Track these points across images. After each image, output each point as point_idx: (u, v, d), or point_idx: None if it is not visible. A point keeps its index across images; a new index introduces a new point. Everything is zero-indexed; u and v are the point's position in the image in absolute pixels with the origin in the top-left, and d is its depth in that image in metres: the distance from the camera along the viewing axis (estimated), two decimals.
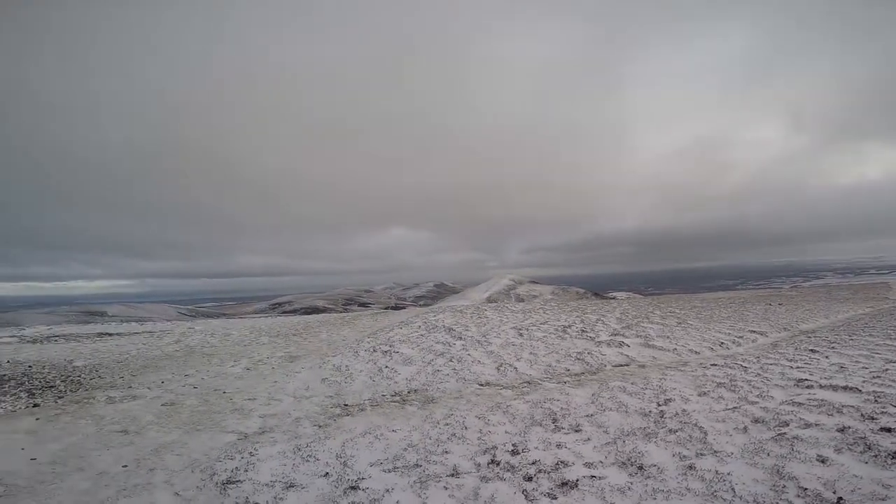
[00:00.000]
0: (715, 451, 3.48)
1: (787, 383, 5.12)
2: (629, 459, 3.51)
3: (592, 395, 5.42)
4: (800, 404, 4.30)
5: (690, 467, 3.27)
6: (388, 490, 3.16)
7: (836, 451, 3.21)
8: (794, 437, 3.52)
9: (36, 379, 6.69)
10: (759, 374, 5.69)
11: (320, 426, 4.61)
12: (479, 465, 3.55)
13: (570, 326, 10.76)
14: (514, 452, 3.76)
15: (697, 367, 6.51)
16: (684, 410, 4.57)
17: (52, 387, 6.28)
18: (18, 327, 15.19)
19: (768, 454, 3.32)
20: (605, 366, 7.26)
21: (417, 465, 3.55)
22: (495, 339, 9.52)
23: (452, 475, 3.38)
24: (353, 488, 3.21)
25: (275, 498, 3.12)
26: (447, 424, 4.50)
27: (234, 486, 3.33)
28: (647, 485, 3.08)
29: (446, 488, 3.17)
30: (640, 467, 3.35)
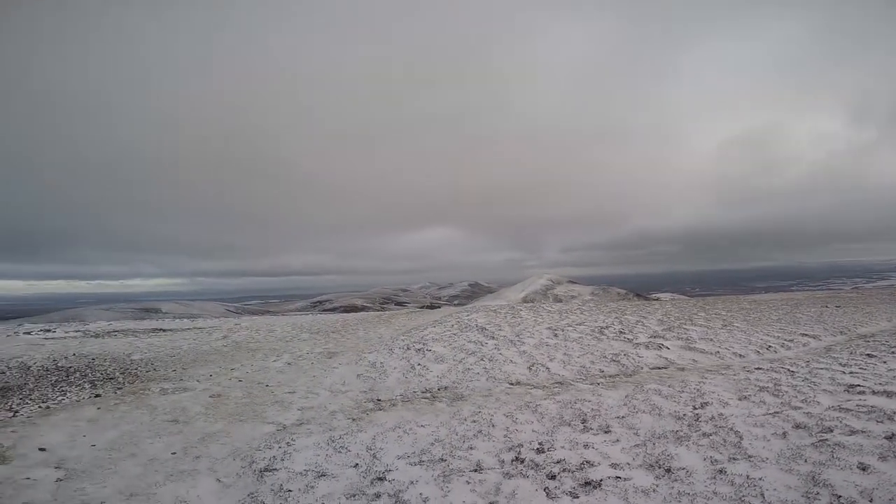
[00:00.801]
0: (749, 456, 3.37)
1: (836, 389, 4.83)
2: (657, 462, 3.45)
3: (625, 396, 5.33)
4: (847, 410, 4.06)
5: (721, 471, 3.18)
6: (412, 482, 3.28)
7: (880, 459, 3.03)
8: (836, 444, 3.35)
9: (98, 371, 7.29)
10: (807, 379, 5.39)
11: (353, 419, 4.79)
12: (503, 461, 3.60)
13: (607, 328, 10.54)
14: (540, 451, 3.78)
15: (740, 371, 6.25)
16: (721, 414, 4.41)
17: (112, 378, 6.82)
18: (83, 323, 16.52)
19: (806, 460, 3.18)
20: (642, 368, 7.09)
21: (442, 460, 3.64)
22: (529, 339, 9.48)
23: (476, 470, 3.44)
24: (379, 479, 3.35)
25: (307, 486, 3.30)
26: (474, 421, 4.56)
27: (271, 473, 3.54)
28: (672, 487, 3.02)
29: (468, 483, 3.24)
30: (668, 470, 3.29)
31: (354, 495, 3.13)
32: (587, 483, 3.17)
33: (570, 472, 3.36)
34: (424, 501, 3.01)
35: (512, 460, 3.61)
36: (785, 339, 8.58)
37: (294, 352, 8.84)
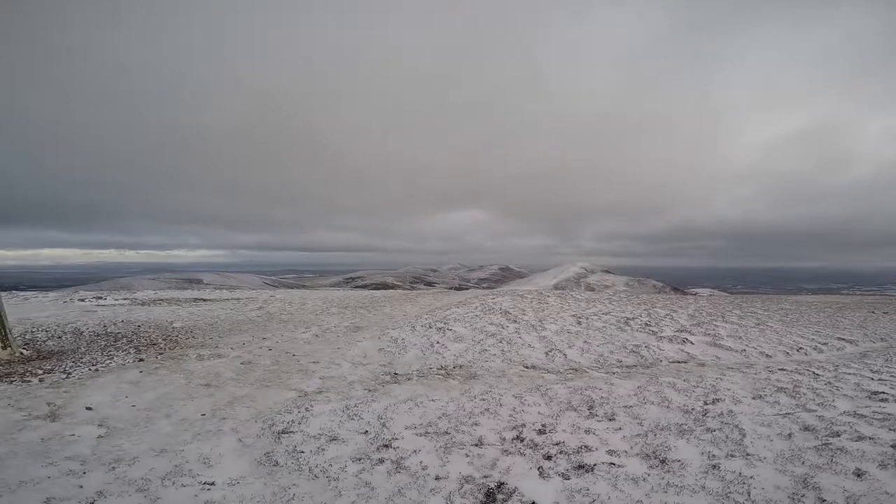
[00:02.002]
0: (747, 454, 3.38)
1: (858, 394, 4.69)
2: (654, 452, 3.52)
3: (638, 387, 5.36)
4: (862, 416, 3.96)
5: (714, 466, 3.22)
6: (415, 451, 3.50)
7: (879, 467, 2.98)
8: (838, 449, 3.30)
9: (143, 337, 7.92)
10: (830, 383, 5.24)
11: (370, 390, 5.08)
12: (504, 439, 3.76)
13: (633, 319, 10.44)
14: (541, 432, 3.91)
15: (762, 371, 6.11)
16: (730, 411, 4.40)
17: (154, 344, 7.41)
18: (131, 291, 17.73)
19: (803, 462, 3.16)
20: (661, 361, 7.04)
21: (447, 433, 3.85)
22: (551, 325, 9.54)
23: (476, 445, 3.63)
24: (385, 446, 3.59)
25: (318, 448, 3.58)
26: (483, 399, 4.74)
27: (287, 435, 3.85)
28: (663, 478, 3.10)
29: (467, 455, 3.43)
30: (663, 461, 3.36)
31: (360, 459, 3.38)
32: (580, 466, 3.28)
33: (567, 454, 3.49)
34: (423, 468, 3.22)
35: (513, 439, 3.77)
36: (819, 342, 8.25)
37: (322, 324, 9.28)
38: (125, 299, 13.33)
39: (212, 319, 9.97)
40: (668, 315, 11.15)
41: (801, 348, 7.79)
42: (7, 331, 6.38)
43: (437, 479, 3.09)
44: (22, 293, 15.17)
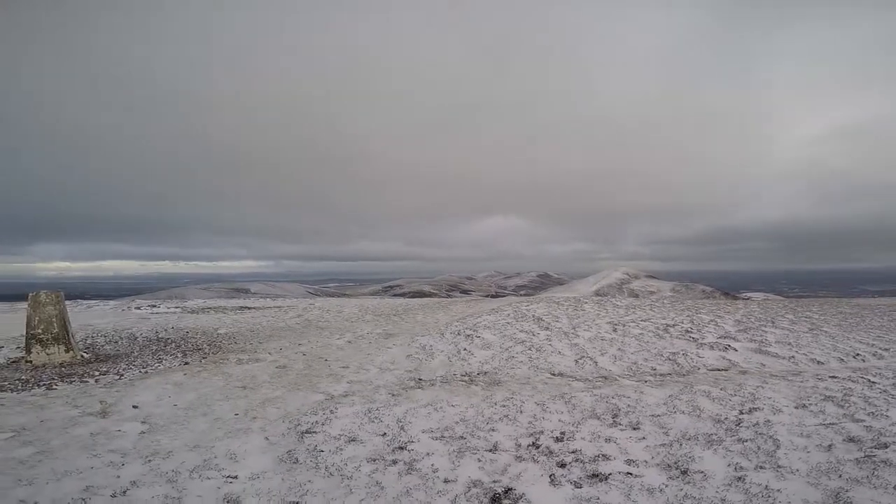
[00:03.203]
0: (778, 466, 3.18)
1: None
2: (676, 463, 3.38)
3: (669, 396, 5.15)
4: None
5: (740, 479, 3.05)
6: (428, 454, 3.53)
7: None
8: (883, 461, 3.04)
9: (190, 342, 8.42)
10: (886, 391, 4.82)
11: (393, 395, 5.17)
12: (520, 445, 3.72)
13: (674, 325, 10.03)
14: (559, 440, 3.85)
15: (811, 378, 5.71)
16: (767, 421, 4.14)
17: (199, 349, 7.86)
18: (183, 300, 18.87)
19: (840, 476, 2.93)
20: (699, 369, 6.72)
21: (462, 437, 3.86)
22: (585, 332, 9.32)
23: (490, 450, 3.62)
24: (400, 448, 3.65)
25: (337, 448, 3.69)
26: (504, 406, 4.71)
27: (310, 435, 3.99)
28: (681, 489, 2.97)
29: (479, 460, 3.43)
30: (684, 472, 3.22)
31: (375, 460, 3.46)
32: (595, 475, 3.20)
33: (582, 462, 3.41)
34: (433, 471, 3.25)
35: (528, 445, 3.72)
36: (880, 348, 7.59)
37: (356, 331, 9.51)
38: (177, 307, 14.22)
39: (254, 326, 10.46)
40: (712, 321, 10.62)
41: (858, 354, 7.20)
42: (70, 336, 6.99)
43: (446, 481, 3.11)
44: (86, 302, 16.53)
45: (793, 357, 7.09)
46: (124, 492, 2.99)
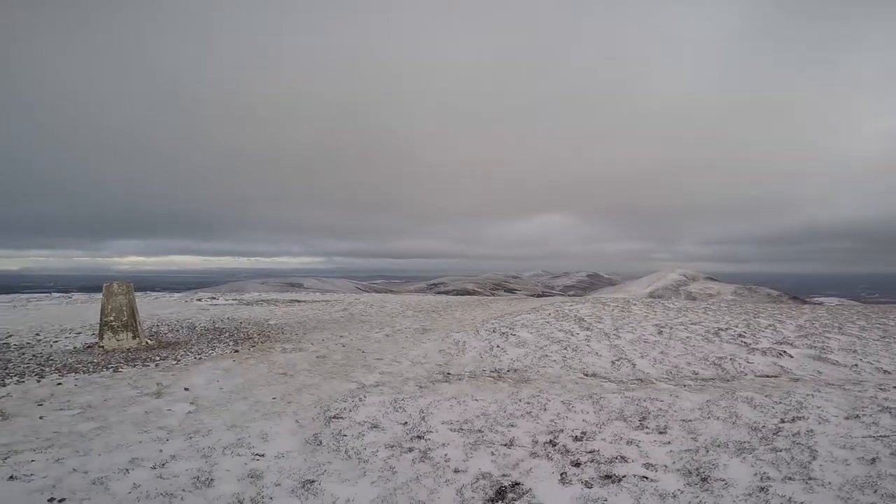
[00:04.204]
0: (809, 479, 2.97)
1: None
2: (698, 469, 3.24)
3: (706, 401, 4.92)
4: None
5: (763, 489, 2.88)
6: (444, 444, 3.62)
7: None
8: None
9: (241, 332, 9.01)
10: None
11: (420, 387, 5.30)
12: (536, 442, 3.72)
13: (725, 329, 9.50)
14: (577, 439, 3.80)
15: (871, 388, 5.22)
16: (810, 431, 3.86)
17: (250, 338, 8.40)
18: (240, 293, 20.11)
19: (876, 491, 2.69)
20: (746, 374, 6.34)
21: (479, 431, 3.91)
22: (627, 333, 9.04)
23: (506, 445, 3.64)
24: (418, 437, 3.76)
25: (359, 433, 3.87)
26: (528, 403, 4.70)
27: (337, 420, 4.20)
28: (697, 497, 2.85)
29: (493, 454, 3.46)
30: (705, 479, 3.08)
31: (392, 446, 3.60)
32: (608, 476, 3.14)
33: (597, 463, 3.36)
34: (446, 461, 3.33)
35: (545, 443, 3.71)
36: None
37: (395, 326, 9.78)
38: (234, 300, 15.23)
39: (301, 318, 11.01)
40: (770, 326, 9.93)
41: None
42: (138, 324, 7.71)
43: (456, 471, 3.18)
44: (154, 294, 18.07)
45: (856, 365, 6.50)
46: (163, 464, 3.31)
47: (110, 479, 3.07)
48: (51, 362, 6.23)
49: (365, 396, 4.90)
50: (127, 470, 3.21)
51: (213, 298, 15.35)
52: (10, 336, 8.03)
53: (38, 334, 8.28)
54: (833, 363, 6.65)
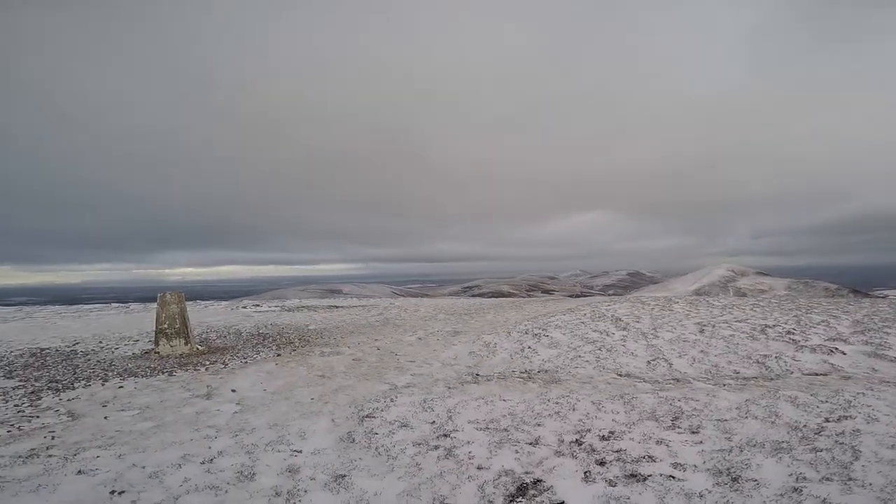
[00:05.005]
0: (849, 479, 2.85)
1: None
2: (729, 469, 3.17)
3: (745, 400, 4.76)
4: None
5: (797, 490, 2.79)
6: (469, 442, 3.71)
7: None
8: None
9: (283, 337, 9.44)
10: None
11: (449, 387, 5.41)
12: (562, 441, 3.74)
13: (773, 326, 9.06)
14: (605, 438, 3.79)
15: None
16: (856, 431, 3.68)
17: (291, 343, 8.79)
18: (282, 300, 20.92)
19: None
20: (792, 373, 6.05)
21: (505, 430, 3.97)
22: (666, 333, 8.80)
23: (531, 444, 3.68)
24: (444, 435, 3.87)
25: (389, 432, 4.02)
26: (556, 403, 4.71)
27: (370, 419, 4.38)
28: (724, 497, 2.80)
29: (517, 452, 3.52)
30: (735, 479, 3.02)
31: (419, 444, 3.73)
32: (633, 475, 3.13)
33: (623, 462, 3.35)
34: (470, 458, 3.42)
35: (571, 442, 3.73)
36: None
37: (428, 329, 9.94)
38: (276, 307, 15.91)
39: (339, 323, 11.39)
40: (823, 322, 9.38)
41: None
42: (189, 331, 8.24)
43: (479, 468, 3.27)
44: (203, 302, 19.12)
45: None
46: (211, 460, 3.58)
47: (164, 473, 3.36)
48: (113, 367, 6.79)
49: (396, 397, 5.06)
50: (179, 465, 3.49)
51: (258, 306, 16.10)
52: (77, 343, 8.78)
53: (100, 342, 9.00)
54: (891, 360, 6.24)
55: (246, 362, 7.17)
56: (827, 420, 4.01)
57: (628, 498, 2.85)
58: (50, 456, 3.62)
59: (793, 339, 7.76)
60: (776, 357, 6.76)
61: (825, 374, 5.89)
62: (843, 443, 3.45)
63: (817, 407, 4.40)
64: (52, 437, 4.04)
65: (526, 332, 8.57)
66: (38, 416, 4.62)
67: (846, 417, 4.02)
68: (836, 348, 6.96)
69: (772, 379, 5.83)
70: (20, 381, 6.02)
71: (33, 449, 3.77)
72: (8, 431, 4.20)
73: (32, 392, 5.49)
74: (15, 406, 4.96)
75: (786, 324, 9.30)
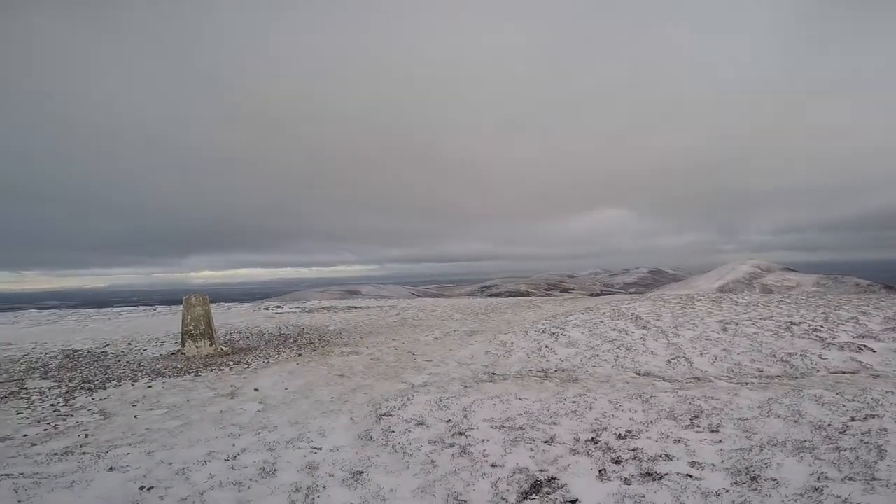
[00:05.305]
0: (873, 479, 2.78)
1: None
2: (748, 468, 3.13)
3: (768, 399, 4.67)
4: None
5: (817, 489, 2.74)
6: (483, 440, 3.75)
7: None
8: None
9: (304, 338, 9.63)
10: None
11: (465, 386, 5.45)
12: (578, 440, 3.74)
13: (799, 324, 8.82)
14: (621, 437, 3.78)
15: None
16: (882, 430, 3.59)
17: (311, 343, 8.96)
18: (302, 302, 21.27)
19: None
20: (818, 371, 5.90)
21: (521, 428, 3.99)
22: (687, 331, 8.66)
23: (547, 442, 3.70)
24: (459, 433, 3.92)
25: (406, 430, 4.09)
26: (573, 402, 4.71)
27: (387, 417, 4.45)
28: (742, 496, 2.77)
29: (532, 450, 3.54)
30: (754, 478, 2.98)
31: (435, 442, 3.78)
32: (649, 474, 3.12)
33: (640, 461, 3.33)
34: (484, 456, 3.46)
35: (587, 440, 3.73)
36: None
37: (444, 329, 10.00)
38: (297, 308, 16.21)
39: (358, 324, 11.54)
40: (853, 318, 9.08)
41: None
42: (213, 332, 8.48)
43: (493, 466, 3.30)
44: (226, 304, 19.62)
45: None
46: (235, 456, 3.70)
47: (190, 470, 3.49)
48: (142, 368, 7.04)
49: (413, 396, 5.13)
50: (205, 461, 3.63)
51: (278, 307, 16.43)
52: (108, 345, 9.13)
53: (129, 343, 9.33)
54: None
55: (268, 362, 7.35)
56: (852, 419, 3.91)
57: (643, 496, 2.85)
58: (84, 453, 3.80)
59: (819, 337, 7.55)
60: (801, 355, 6.59)
61: (853, 373, 5.72)
62: (868, 442, 3.37)
63: (843, 405, 4.29)
64: (86, 436, 4.24)
65: (543, 332, 8.54)
66: (72, 415, 4.84)
67: (873, 416, 3.92)
68: (866, 345, 6.75)
69: (796, 377, 5.69)
70: (55, 381, 6.30)
71: (68, 447, 3.96)
72: (45, 430, 4.42)
73: (67, 392, 5.74)
74: (51, 405, 5.21)
75: (813, 321, 9.04)
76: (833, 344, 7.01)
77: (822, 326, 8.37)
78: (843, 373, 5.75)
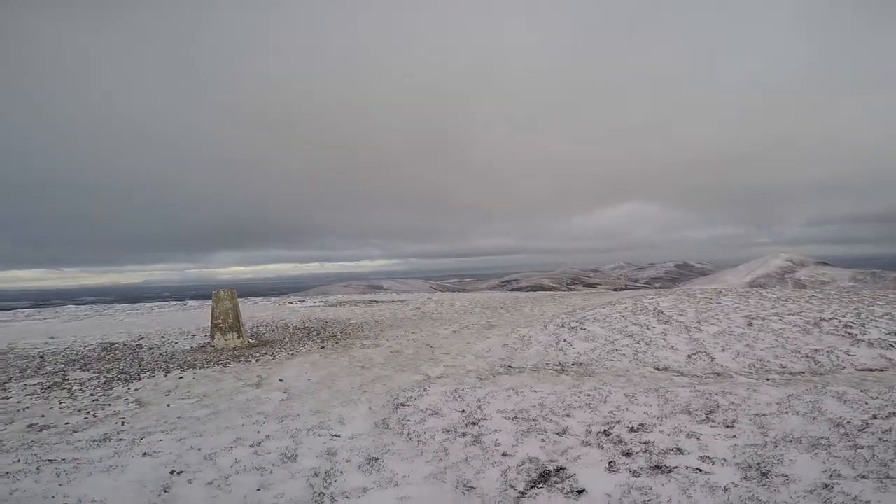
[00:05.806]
0: (886, 477, 2.75)
1: None
2: (760, 464, 3.13)
3: (788, 395, 4.60)
4: None
5: (827, 486, 2.72)
6: (496, 430, 3.84)
7: None
8: None
9: (327, 331, 9.89)
10: None
11: (481, 379, 5.55)
12: (590, 432, 3.79)
13: (829, 320, 8.57)
14: (633, 430, 3.81)
15: None
16: None
17: (333, 336, 9.21)
18: (326, 296, 21.73)
19: None
20: (844, 368, 5.76)
21: (534, 420, 4.06)
22: (711, 326, 8.52)
23: (559, 434, 3.76)
24: (473, 423, 4.02)
25: (421, 419, 4.22)
26: (588, 395, 4.75)
27: (404, 407, 4.59)
28: (750, 492, 2.77)
29: (543, 441, 3.61)
30: (765, 474, 2.98)
31: (448, 431, 3.90)
32: (658, 467, 3.15)
33: (650, 454, 3.36)
34: (496, 445, 3.55)
35: (599, 433, 3.77)
36: None
37: (463, 322, 10.11)
38: (321, 302, 16.61)
39: (379, 318, 11.77)
40: (887, 315, 8.75)
41: None
42: (241, 325, 8.82)
43: (504, 455, 3.39)
44: (253, 298, 20.23)
45: None
46: (259, 443, 3.90)
47: (218, 455, 3.70)
48: (174, 360, 7.40)
49: (429, 387, 5.26)
50: (231, 448, 3.84)
51: (303, 301, 16.86)
52: (142, 338, 9.60)
53: (162, 336, 9.79)
54: None
55: (292, 354, 7.61)
56: (874, 417, 3.83)
57: (650, 488, 2.89)
58: (120, 440, 4.07)
59: (849, 333, 7.32)
60: (828, 351, 6.42)
61: (881, 370, 5.56)
62: (887, 440, 3.31)
63: (866, 403, 4.20)
64: (122, 423, 4.52)
65: (562, 326, 8.55)
66: (110, 405, 5.16)
67: (895, 414, 3.83)
68: None
69: (821, 374, 5.58)
70: (94, 372, 6.70)
71: (106, 434, 4.24)
72: (84, 418, 4.73)
73: (105, 382, 6.11)
74: (90, 395, 5.55)
75: (843, 317, 8.75)
76: (863, 340, 6.81)
77: (853, 322, 8.11)
78: (871, 370, 5.60)
